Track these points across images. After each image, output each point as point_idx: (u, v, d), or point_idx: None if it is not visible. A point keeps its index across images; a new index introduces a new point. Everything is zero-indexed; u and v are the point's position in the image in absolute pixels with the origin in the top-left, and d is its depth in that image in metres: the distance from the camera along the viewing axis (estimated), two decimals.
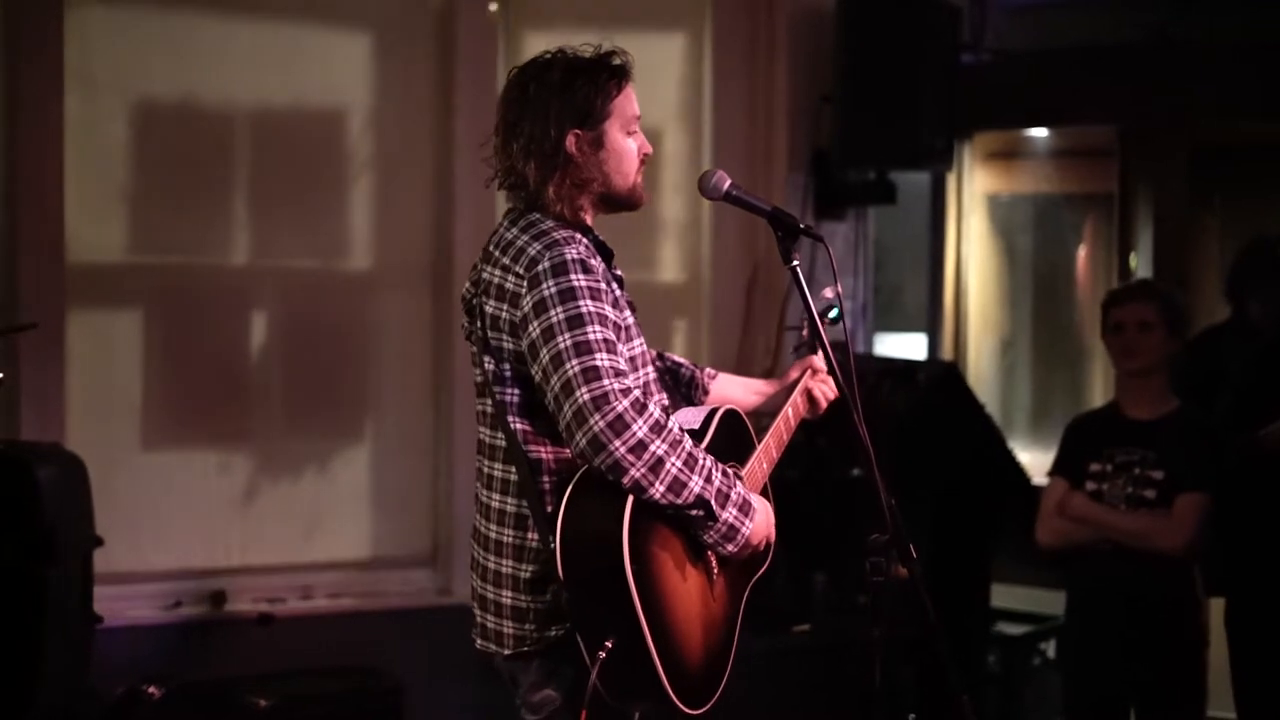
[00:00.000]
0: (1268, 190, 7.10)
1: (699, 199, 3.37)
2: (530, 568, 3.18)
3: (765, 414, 3.70)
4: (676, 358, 3.75)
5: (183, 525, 5.86)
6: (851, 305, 6.73)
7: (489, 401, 3.24)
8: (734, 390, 3.76)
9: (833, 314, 3.77)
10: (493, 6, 6.24)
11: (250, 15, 5.97)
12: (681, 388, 3.71)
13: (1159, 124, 6.97)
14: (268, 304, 6.05)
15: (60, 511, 4.65)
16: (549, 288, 3.07)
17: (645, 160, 3.35)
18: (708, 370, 3.75)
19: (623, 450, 2.95)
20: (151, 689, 5.20)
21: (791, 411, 3.64)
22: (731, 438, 3.39)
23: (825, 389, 3.69)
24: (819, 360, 3.69)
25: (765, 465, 3.47)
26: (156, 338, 5.85)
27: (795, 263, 3.23)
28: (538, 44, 6.26)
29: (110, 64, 5.70)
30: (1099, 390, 7.34)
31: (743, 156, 6.65)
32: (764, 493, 3.44)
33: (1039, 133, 7.62)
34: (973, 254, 7.62)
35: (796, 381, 3.70)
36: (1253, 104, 6.73)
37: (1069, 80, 7.07)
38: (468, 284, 3.32)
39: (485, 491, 3.28)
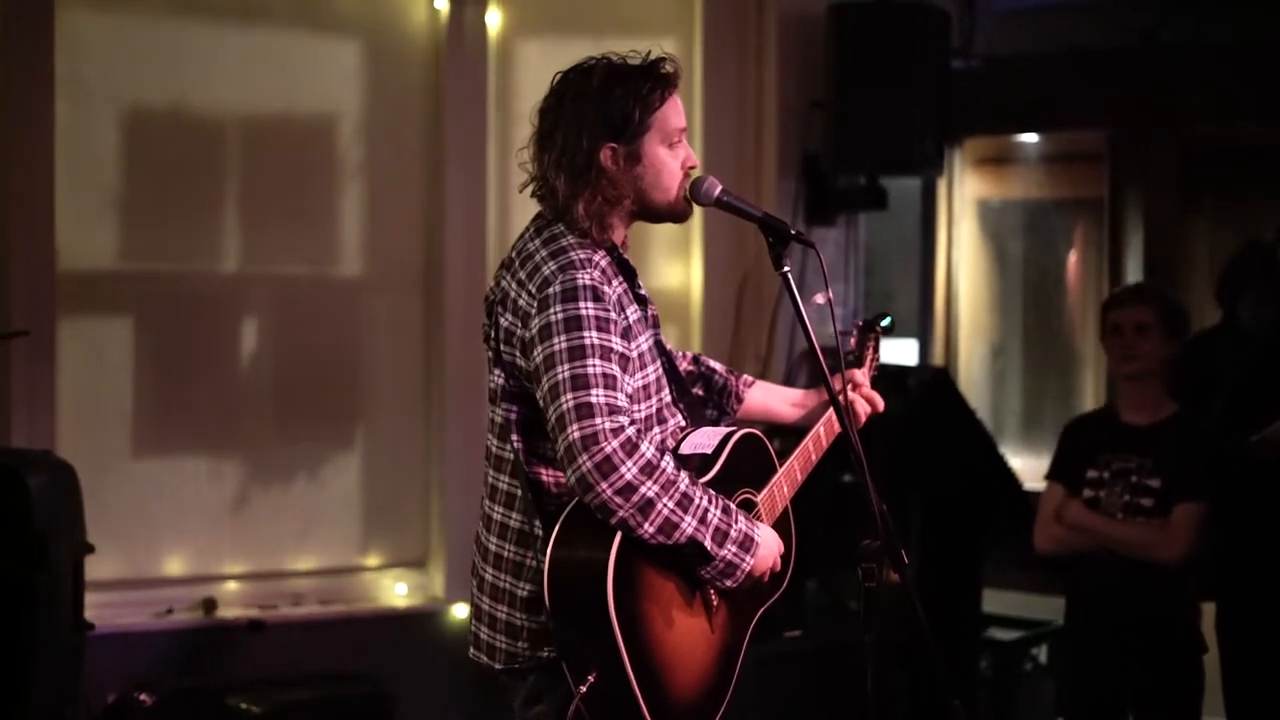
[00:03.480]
0: (1258, 193, 7.10)
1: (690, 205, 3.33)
2: (528, 586, 3.14)
3: (800, 428, 3.62)
4: (713, 364, 3.66)
5: (174, 532, 5.85)
6: (842, 311, 6.73)
7: (498, 412, 3.20)
8: (770, 401, 3.67)
9: (885, 322, 3.73)
10: (484, 11, 6.24)
11: (241, 22, 5.96)
12: (714, 395, 3.63)
13: (1149, 128, 6.97)
14: (258, 311, 6.04)
15: (51, 519, 4.64)
16: (556, 313, 3.01)
17: (689, 173, 3.25)
18: (744, 378, 3.66)
19: (609, 492, 2.91)
20: (143, 696, 5.20)
21: (824, 430, 3.55)
22: (750, 461, 3.31)
23: (864, 405, 3.57)
24: (860, 374, 3.62)
25: (786, 489, 3.40)
26: (147, 345, 5.84)
27: (786, 269, 3.18)
28: (528, 50, 6.32)
29: (101, 71, 5.70)
30: (1090, 395, 7.34)
31: (733, 162, 6.65)
32: (784, 516, 3.38)
33: (1029, 138, 7.62)
34: (963, 259, 7.62)
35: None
36: (1242, 107, 6.73)
37: (1059, 85, 7.07)
38: (491, 284, 3.26)
39: (489, 502, 3.24)
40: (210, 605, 5.86)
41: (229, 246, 5.97)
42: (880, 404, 3.59)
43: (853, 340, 3.67)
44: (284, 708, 5.33)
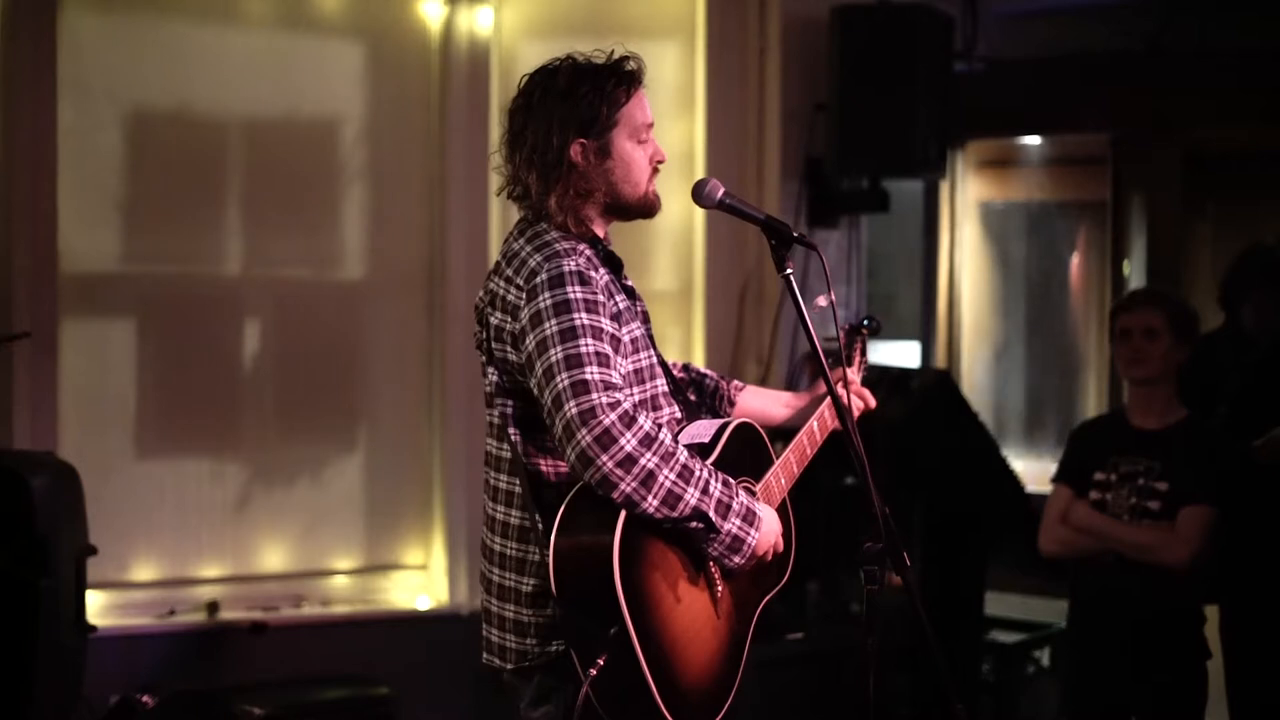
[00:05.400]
0: (1260, 196, 7.11)
1: (692, 207, 3.34)
2: (531, 581, 3.16)
3: (793, 428, 3.66)
4: (702, 369, 3.70)
5: (176, 534, 5.86)
6: (845, 314, 6.73)
7: (494, 412, 3.22)
8: (762, 403, 3.70)
9: (870, 324, 3.75)
10: (487, 15, 6.24)
11: (244, 25, 5.97)
12: (706, 399, 3.66)
13: (1151, 131, 6.97)
14: (261, 313, 6.05)
15: (53, 520, 4.64)
16: (545, 300, 3.04)
17: (658, 168, 3.31)
18: (735, 382, 3.69)
19: (610, 465, 2.91)
20: (145, 698, 5.20)
21: (817, 425, 3.58)
22: (747, 452, 3.33)
23: (856, 401, 3.60)
24: (850, 372, 3.66)
25: (784, 480, 3.41)
26: (150, 347, 5.85)
27: (789, 271, 3.19)
28: (531, 54, 6.32)
29: (104, 73, 5.71)
30: (1092, 398, 7.34)
31: (736, 164, 6.65)
32: (782, 508, 3.39)
33: (1032, 141, 7.63)
34: (966, 262, 7.62)
35: (826, 394, 3.60)
36: (1245, 111, 6.73)
37: (1062, 88, 7.07)
38: (481, 291, 3.28)
39: (491, 503, 3.26)
40: (212, 607, 5.86)
41: (231, 249, 5.98)
42: (872, 401, 3.63)
43: (840, 343, 3.69)
44: (286, 710, 5.33)
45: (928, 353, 7.58)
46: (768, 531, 3.16)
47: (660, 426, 3.02)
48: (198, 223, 5.92)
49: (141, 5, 5.82)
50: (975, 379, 7.69)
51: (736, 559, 3.10)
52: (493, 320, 3.18)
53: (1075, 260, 7.64)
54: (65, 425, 5.56)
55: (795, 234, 3.26)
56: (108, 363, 5.77)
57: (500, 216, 6.21)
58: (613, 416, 2.92)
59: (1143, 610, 4.81)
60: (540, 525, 3.10)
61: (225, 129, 5.96)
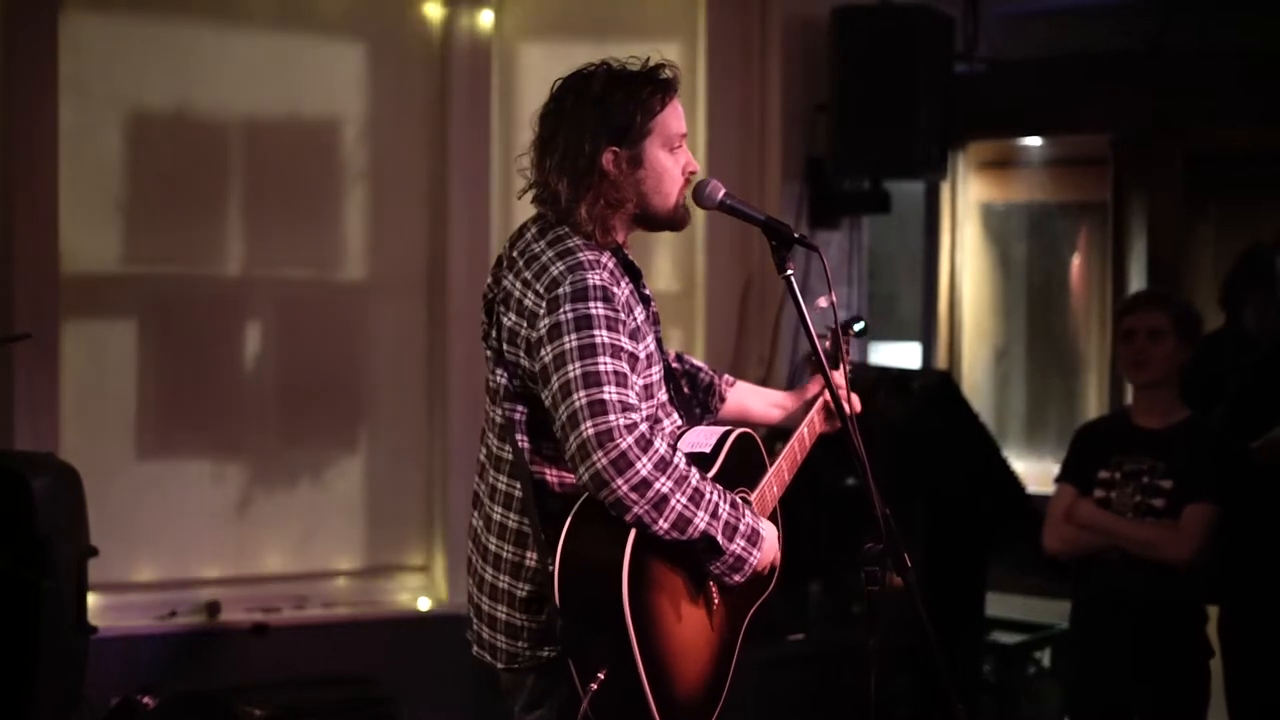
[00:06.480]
0: (1262, 197, 7.10)
1: (693, 208, 3.33)
2: (527, 587, 3.15)
3: (782, 429, 3.65)
4: (696, 362, 3.70)
5: (177, 535, 5.86)
6: (846, 315, 6.71)
7: (499, 412, 3.21)
8: (752, 400, 3.71)
9: (858, 327, 3.75)
10: (488, 16, 6.24)
11: (245, 25, 5.97)
12: (699, 393, 3.66)
13: (1152, 132, 6.97)
14: (262, 314, 6.04)
15: (54, 522, 4.64)
16: (566, 313, 3.01)
17: (690, 178, 3.27)
18: (726, 377, 3.69)
19: (625, 488, 2.91)
20: (146, 699, 5.19)
21: (807, 430, 3.59)
22: (744, 460, 3.34)
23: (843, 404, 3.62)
24: (840, 375, 3.65)
25: (776, 489, 3.42)
26: (151, 348, 5.85)
27: (790, 272, 3.19)
28: (532, 55, 6.33)
29: (105, 74, 5.71)
30: (1093, 399, 7.33)
31: (737, 165, 6.65)
32: (773, 515, 3.40)
33: (1033, 141, 7.62)
34: (967, 263, 7.62)
35: (816, 397, 3.64)
36: (1245, 111, 6.73)
37: (1062, 89, 7.07)
38: (489, 281, 3.27)
39: (489, 502, 3.24)
40: (213, 608, 5.86)
41: (233, 250, 5.98)
42: (858, 405, 3.60)
43: (827, 342, 3.69)
44: (287, 711, 5.34)
45: (929, 354, 7.58)
46: (768, 549, 3.18)
47: (674, 449, 3.02)
48: (199, 223, 5.92)
49: (143, 5, 5.82)
50: (976, 380, 7.69)
51: (736, 577, 3.12)
52: (505, 321, 3.16)
53: (1076, 261, 7.64)
54: (66, 426, 5.56)
55: (796, 235, 3.26)
56: (109, 363, 5.77)
57: (501, 217, 6.21)
58: (630, 440, 2.92)
59: (1145, 608, 4.81)
60: (543, 535, 3.10)
61: (226, 129, 5.96)
